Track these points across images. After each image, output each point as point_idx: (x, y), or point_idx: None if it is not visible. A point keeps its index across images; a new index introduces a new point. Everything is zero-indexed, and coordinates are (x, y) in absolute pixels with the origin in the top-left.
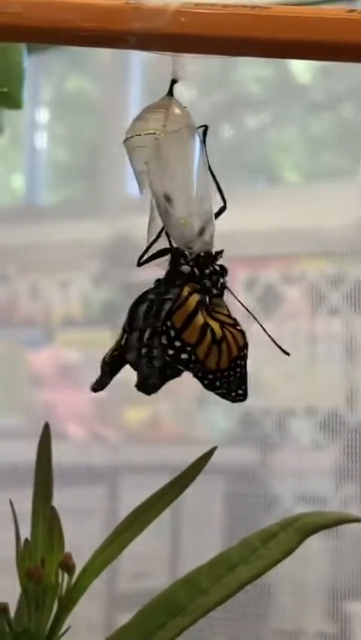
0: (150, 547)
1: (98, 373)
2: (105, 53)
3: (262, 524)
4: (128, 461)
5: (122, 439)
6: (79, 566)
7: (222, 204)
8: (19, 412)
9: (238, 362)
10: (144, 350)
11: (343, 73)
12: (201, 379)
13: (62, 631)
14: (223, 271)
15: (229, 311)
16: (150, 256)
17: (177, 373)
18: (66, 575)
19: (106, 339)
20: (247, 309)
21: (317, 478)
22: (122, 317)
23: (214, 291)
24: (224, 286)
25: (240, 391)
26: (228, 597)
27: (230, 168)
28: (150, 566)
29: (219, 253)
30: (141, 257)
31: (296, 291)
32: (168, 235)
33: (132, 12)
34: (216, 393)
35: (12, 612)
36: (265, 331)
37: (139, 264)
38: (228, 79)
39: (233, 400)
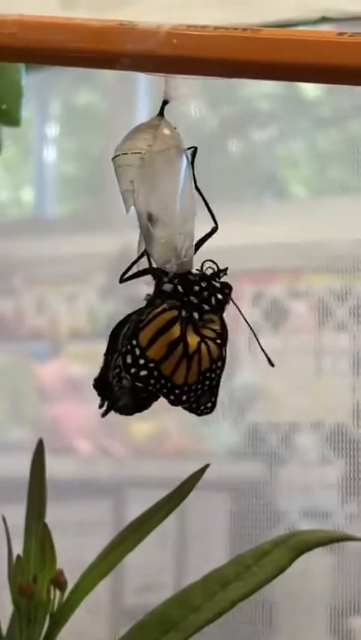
0: (155, 561)
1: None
2: None
3: (268, 539)
4: (133, 475)
5: (128, 452)
6: None
7: (213, 225)
8: (26, 426)
9: (208, 375)
10: (116, 371)
11: (350, 90)
12: (166, 395)
13: None
14: (225, 288)
15: (224, 326)
16: (133, 274)
17: (154, 396)
18: (58, 592)
19: None
20: (246, 322)
21: (322, 493)
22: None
23: (205, 307)
24: (221, 302)
25: (209, 404)
26: (220, 614)
27: (237, 183)
28: (155, 580)
29: (223, 271)
30: (124, 273)
31: (302, 306)
32: (148, 254)
33: (125, 33)
34: (184, 408)
35: (4, 628)
36: (257, 339)
37: (121, 281)
38: (235, 94)
39: (200, 413)
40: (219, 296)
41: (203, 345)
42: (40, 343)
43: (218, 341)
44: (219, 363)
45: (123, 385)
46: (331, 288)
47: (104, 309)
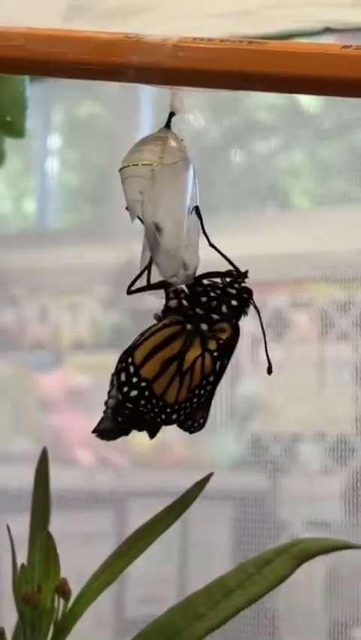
0: (158, 572)
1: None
2: None
3: (270, 548)
4: (135, 486)
5: (130, 463)
6: None
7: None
8: (27, 436)
9: (197, 392)
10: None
11: (351, 101)
12: (157, 415)
13: None
14: (243, 293)
15: (236, 333)
16: (142, 287)
17: (135, 425)
18: (62, 600)
19: (114, 363)
20: (262, 326)
21: (325, 503)
22: (131, 341)
23: (215, 317)
24: (236, 308)
25: (201, 420)
26: (224, 622)
27: (240, 193)
28: (158, 591)
29: (241, 276)
30: (130, 285)
31: (305, 316)
32: (149, 268)
33: (132, 46)
34: (177, 425)
35: (9, 637)
36: (265, 345)
37: (128, 293)
38: (238, 105)
39: (191, 431)
40: (234, 302)
41: (198, 361)
42: (42, 354)
43: (215, 354)
44: (211, 379)
45: (108, 406)
46: (333, 298)
47: (106, 320)
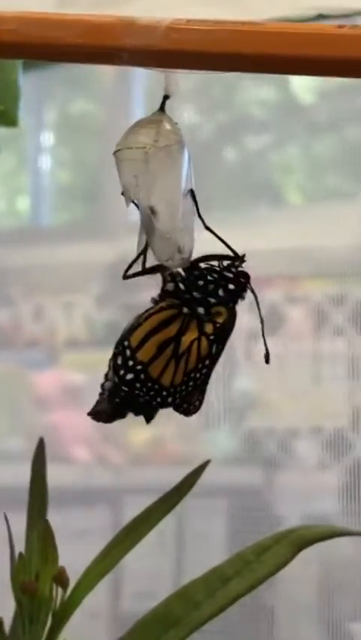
0: (154, 566)
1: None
2: (109, 75)
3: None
4: (131, 482)
5: (126, 460)
6: None
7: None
8: (23, 434)
9: (193, 375)
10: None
11: (345, 95)
12: (152, 398)
13: None
14: (240, 277)
15: (232, 316)
16: (139, 272)
17: (131, 405)
18: (60, 589)
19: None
20: (259, 310)
21: (321, 498)
22: None
23: (212, 300)
24: (233, 292)
25: (196, 403)
26: (222, 610)
27: (233, 189)
28: (154, 585)
29: (238, 259)
30: (126, 270)
31: (299, 312)
32: (145, 254)
33: (125, 28)
34: (173, 408)
35: (7, 626)
36: (263, 333)
37: (125, 277)
38: (231, 101)
39: (186, 413)
40: (231, 286)
41: (194, 344)
42: (37, 352)
43: (212, 337)
44: (206, 362)
45: (104, 388)
46: (327, 293)
47: (100, 318)
